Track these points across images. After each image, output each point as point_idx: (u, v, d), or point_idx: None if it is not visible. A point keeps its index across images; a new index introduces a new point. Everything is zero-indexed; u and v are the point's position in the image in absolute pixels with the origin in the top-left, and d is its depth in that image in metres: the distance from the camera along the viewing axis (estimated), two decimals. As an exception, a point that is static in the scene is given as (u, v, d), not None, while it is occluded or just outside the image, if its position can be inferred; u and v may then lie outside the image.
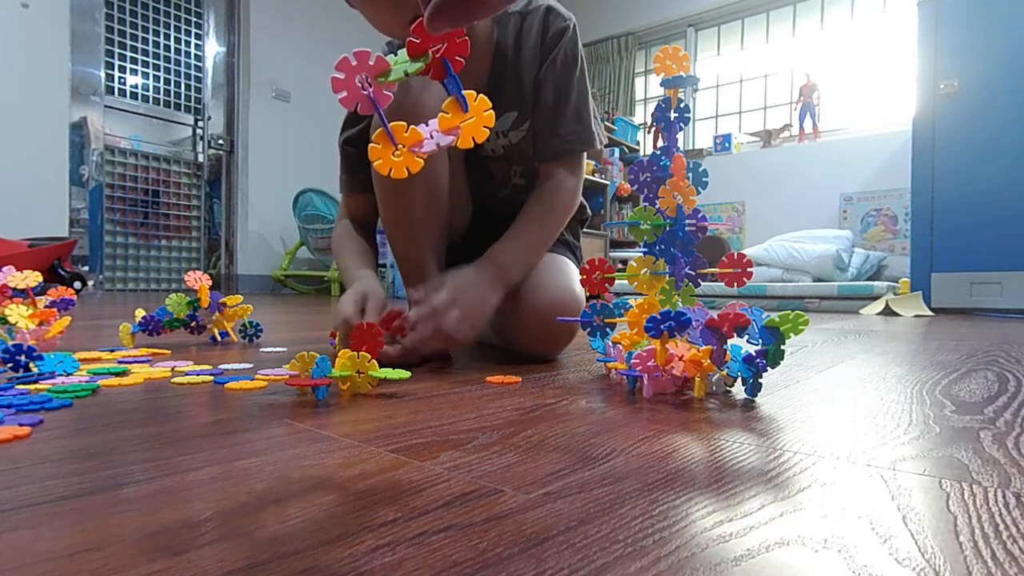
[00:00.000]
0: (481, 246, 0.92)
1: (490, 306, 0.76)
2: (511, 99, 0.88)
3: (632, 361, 0.56)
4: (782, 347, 0.54)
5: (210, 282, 0.97)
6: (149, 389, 0.58)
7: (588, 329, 0.71)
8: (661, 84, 0.63)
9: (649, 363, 0.56)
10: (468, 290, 0.74)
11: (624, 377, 0.61)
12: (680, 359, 0.55)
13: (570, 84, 0.86)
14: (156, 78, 3.89)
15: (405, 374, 0.58)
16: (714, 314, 0.55)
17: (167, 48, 3.93)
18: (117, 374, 0.64)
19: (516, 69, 0.87)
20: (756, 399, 0.57)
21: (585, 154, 0.90)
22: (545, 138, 0.87)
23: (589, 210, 1.03)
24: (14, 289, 0.75)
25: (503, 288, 0.78)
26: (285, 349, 0.91)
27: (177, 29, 3.97)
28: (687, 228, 0.61)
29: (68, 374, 0.62)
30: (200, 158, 4.12)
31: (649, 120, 1.31)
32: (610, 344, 0.69)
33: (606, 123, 4.42)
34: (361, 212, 0.99)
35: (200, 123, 4.10)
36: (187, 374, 0.65)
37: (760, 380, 0.56)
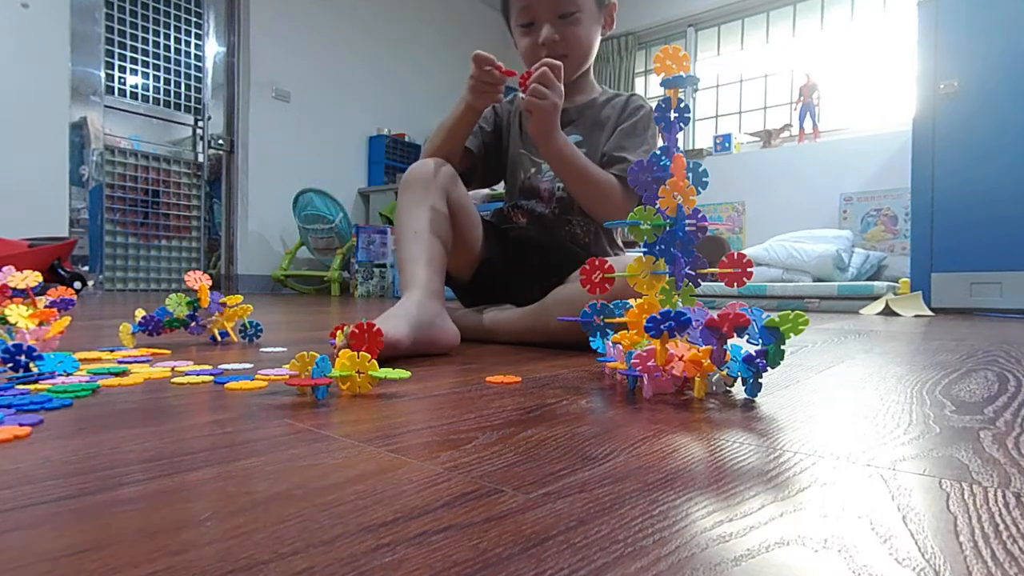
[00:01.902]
0: (495, 287, 1.15)
1: (551, 122, 0.97)
2: (581, 126, 1.15)
3: (632, 361, 0.56)
4: (782, 347, 0.54)
5: (210, 282, 0.97)
6: (149, 389, 0.58)
7: (588, 329, 0.71)
8: (661, 84, 0.63)
9: (649, 363, 0.56)
10: (555, 107, 0.96)
11: (624, 377, 0.61)
12: (680, 359, 0.55)
13: (645, 131, 1.10)
14: (156, 78, 3.89)
15: (405, 374, 0.58)
16: (714, 314, 0.55)
17: (167, 48, 3.93)
18: (117, 374, 0.64)
19: (597, 113, 1.16)
20: (756, 399, 0.57)
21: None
22: (614, 149, 1.09)
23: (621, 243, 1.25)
24: (14, 289, 0.75)
25: (554, 129, 0.99)
26: (285, 349, 0.91)
27: (177, 29, 3.97)
28: (687, 228, 0.61)
29: (68, 374, 0.62)
30: (200, 158, 4.12)
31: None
32: (610, 344, 0.69)
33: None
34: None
35: (200, 123, 4.10)
36: (187, 374, 0.65)
37: (760, 380, 0.56)
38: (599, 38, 1.15)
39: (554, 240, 1.15)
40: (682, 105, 0.63)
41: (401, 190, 1.05)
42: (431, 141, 1.11)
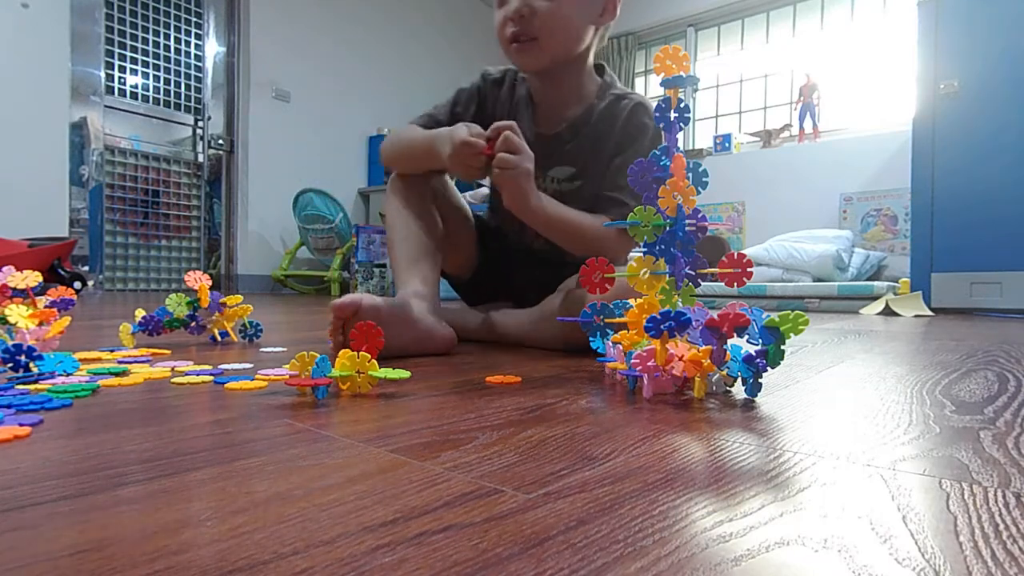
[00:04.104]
0: (496, 282, 1.12)
1: (525, 192, 0.87)
2: (576, 155, 1.01)
3: (632, 361, 0.56)
4: (782, 347, 0.54)
5: (210, 282, 0.97)
6: (149, 389, 0.58)
7: (588, 329, 0.71)
8: (661, 84, 0.63)
9: (649, 363, 0.56)
10: (527, 175, 0.86)
11: (624, 377, 0.61)
12: (680, 359, 0.55)
13: None
14: (156, 78, 3.89)
15: (405, 374, 0.58)
16: (714, 314, 0.55)
17: (167, 48, 3.92)
18: (117, 374, 0.64)
19: (594, 133, 1.00)
20: (756, 399, 0.57)
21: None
22: (610, 188, 0.98)
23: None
24: (14, 289, 0.75)
25: (529, 197, 0.88)
26: (285, 349, 0.91)
27: (177, 29, 3.97)
28: (687, 228, 0.61)
29: (68, 374, 0.62)
30: (200, 158, 4.12)
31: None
32: (610, 344, 0.69)
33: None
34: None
35: (200, 123, 4.10)
36: (187, 374, 0.65)
37: (760, 380, 0.56)
38: (592, 28, 0.97)
39: (549, 244, 1.07)
40: (682, 105, 0.63)
41: (389, 191, 1.01)
42: (392, 156, 1.02)
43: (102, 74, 3.55)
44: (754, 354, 0.55)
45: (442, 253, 1.02)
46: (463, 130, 0.86)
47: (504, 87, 1.07)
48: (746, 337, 0.55)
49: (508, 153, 0.83)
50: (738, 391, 0.61)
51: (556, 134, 1.02)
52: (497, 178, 0.85)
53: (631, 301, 0.66)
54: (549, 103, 1.04)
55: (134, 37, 3.76)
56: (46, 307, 0.75)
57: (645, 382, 0.56)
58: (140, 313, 0.91)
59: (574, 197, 0.98)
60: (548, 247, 0.99)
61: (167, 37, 3.92)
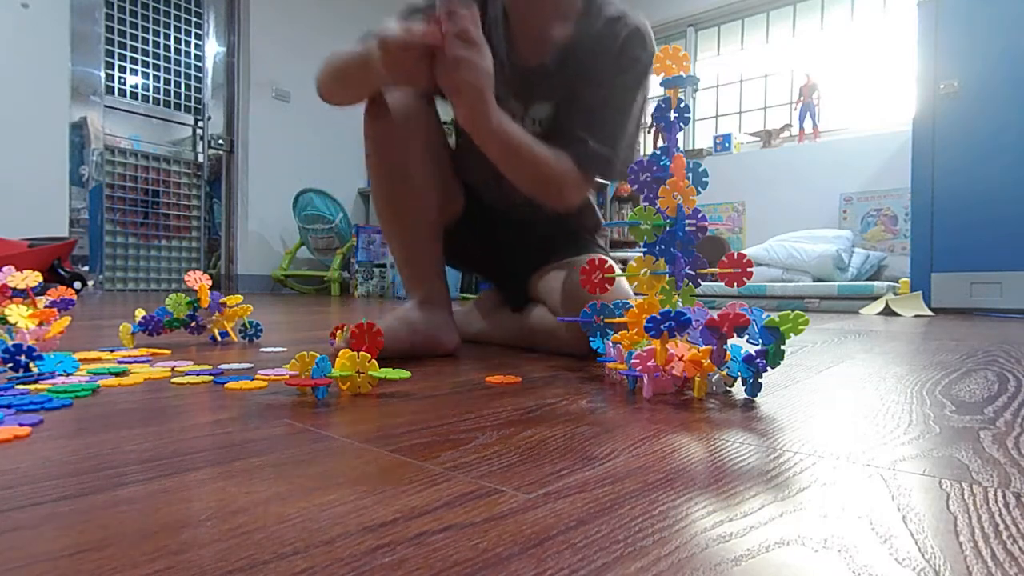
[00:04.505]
0: (478, 243, 1.00)
1: (485, 100, 0.67)
2: (558, 89, 0.85)
3: (632, 361, 0.56)
4: (782, 347, 0.54)
5: (210, 282, 0.97)
6: (149, 389, 0.58)
7: (588, 329, 0.71)
8: (661, 84, 0.63)
9: (649, 363, 0.56)
10: (487, 75, 0.66)
11: (624, 377, 0.62)
12: (680, 359, 0.55)
13: (623, 109, 0.84)
14: (156, 78, 3.89)
15: (405, 374, 0.58)
16: (714, 314, 0.55)
17: (167, 48, 3.93)
18: (117, 374, 0.64)
19: (582, 64, 0.83)
20: (756, 399, 0.57)
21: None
22: (580, 125, 0.83)
23: (600, 218, 1.06)
24: (14, 289, 0.75)
25: (490, 111, 0.69)
26: (285, 349, 0.91)
27: (177, 29, 3.97)
28: (687, 228, 0.61)
29: (68, 374, 0.62)
30: (200, 158, 4.12)
31: (649, 120, 1.29)
32: (610, 344, 0.69)
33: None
34: None
35: (200, 123, 4.10)
36: (187, 374, 0.65)
37: (760, 380, 0.56)
38: None
39: (537, 214, 0.90)
40: (682, 105, 0.63)
41: (366, 135, 0.84)
42: (326, 85, 0.81)
43: (102, 74, 3.55)
44: (754, 354, 0.55)
45: (437, 212, 0.90)
46: (395, 26, 0.65)
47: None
48: (746, 337, 0.55)
49: (462, 48, 0.63)
50: (738, 391, 0.61)
51: (540, 65, 0.85)
52: (449, 80, 0.63)
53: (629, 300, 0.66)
54: (529, 23, 0.86)
55: (134, 37, 3.76)
56: (46, 307, 0.75)
57: (645, 382, 0.56)
58: (140, 313, 0.91)
59: (550, 138, 0.82)
60: (530, 206, 0.84)
61: (167, 37, 3.92)
